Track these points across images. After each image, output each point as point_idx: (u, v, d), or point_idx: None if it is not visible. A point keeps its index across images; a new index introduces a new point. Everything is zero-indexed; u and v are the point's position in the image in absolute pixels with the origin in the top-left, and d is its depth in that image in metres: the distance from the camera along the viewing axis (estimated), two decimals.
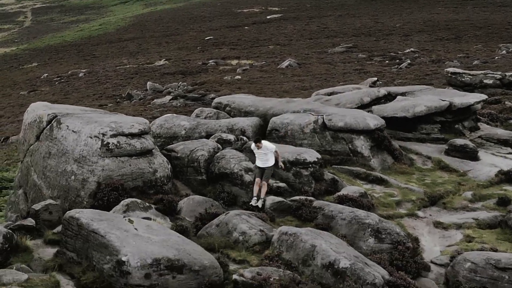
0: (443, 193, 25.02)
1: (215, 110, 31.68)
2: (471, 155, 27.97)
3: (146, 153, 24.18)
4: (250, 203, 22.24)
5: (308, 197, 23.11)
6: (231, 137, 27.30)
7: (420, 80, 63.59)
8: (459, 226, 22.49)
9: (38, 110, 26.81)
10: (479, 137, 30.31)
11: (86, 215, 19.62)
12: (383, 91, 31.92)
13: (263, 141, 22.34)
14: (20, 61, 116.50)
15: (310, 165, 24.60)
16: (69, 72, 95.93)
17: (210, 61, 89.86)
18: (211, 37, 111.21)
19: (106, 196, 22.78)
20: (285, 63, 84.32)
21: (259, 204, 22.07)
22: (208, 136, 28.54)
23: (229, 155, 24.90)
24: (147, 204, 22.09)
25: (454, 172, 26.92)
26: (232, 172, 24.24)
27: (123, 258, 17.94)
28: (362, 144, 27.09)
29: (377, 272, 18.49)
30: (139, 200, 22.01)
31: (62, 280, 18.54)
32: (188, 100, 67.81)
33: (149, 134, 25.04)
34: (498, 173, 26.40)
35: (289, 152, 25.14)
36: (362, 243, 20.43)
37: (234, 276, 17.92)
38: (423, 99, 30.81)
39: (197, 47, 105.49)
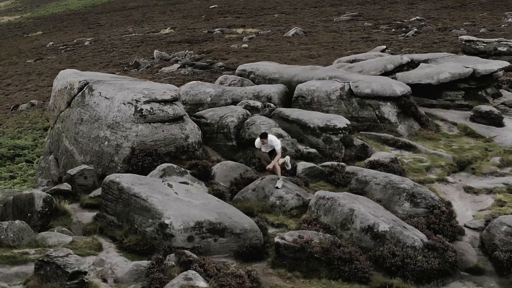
0: (471, 159, 25.18)
1: (239, 77, 31.70)
2: (496, 121, 28.10)
3: (178, 119, 24.27)
4: (277, 186, 20.86)
5: (340, 163, 23.18)
6: (258, 103, 27.36)
7: (428, 48, 63.42)
8: (489, 191, 22.66)
9: (68, 77, 26.85)
10: (502, 103, 30.43)
11: (126, 180, 19.76)
12: (406, 58, 31.95)
13: (269, 135, 20.95)
14: (24, 30, 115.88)
15: (340, 131, 24.72)
16: (75, 41, 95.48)
17: (216, 29, 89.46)
18: (216, 5, 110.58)
19: (140, 162, 22.91)
20: (291, 32, 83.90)
21: (279, 184, 20.80)
22: (234, 103, 28.60)
23: (259, 121, 24.99)
24: (183, 169, 22.23)
25: (480, 138, 27.06)
26: None
27: (166, 221, 18.11)
28: (389, 111, 27.18)
29: (416, 236, 18.68)
30: (175, 165, 22.16)
31: (104, 243, 18.72)
32: (196, 69, 67.66)
33: (179, 100, 25.10)
34: None
35: (319, 118, 25.25)
36: (397, 207, 20.58)
37: (276, 239, 18.08)
38: (446, 66, 30.85)
39: (201, 16, 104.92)
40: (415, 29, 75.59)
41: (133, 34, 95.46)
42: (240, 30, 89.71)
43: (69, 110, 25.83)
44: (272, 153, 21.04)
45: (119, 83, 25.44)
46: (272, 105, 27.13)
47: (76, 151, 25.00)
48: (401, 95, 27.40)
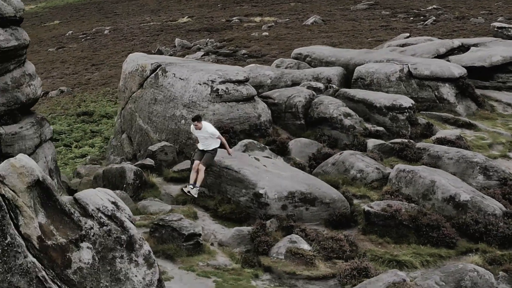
0: None
1: (295, 60, 32.79)
2: None
3: (250, 99, 25.38)
4: (183, 189, 19.75)
5: (409, 140, 24.28)
6: (320, 85, 28.44)
7: (448, 36, 64.26)
8: None
9: (139, 60, 27.96)
10: None
11: None
12: (457, 42, 33.03)
13: (203, 122, 19.34)
14: (41, 19, 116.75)
15: (406, 110, 25.80)
16: (94, 30, 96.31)
17: (234, 18, 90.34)
18: None
19: None
20: (310, 20, 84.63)
21: (194, 193, 19.43)
22: (293, 84, 29.69)
23: (327, 101, 26.07)
24: (262, 144, 23.33)
25: None
26: (331, 116, 25.41)
27: (261, 191, 19.26)
28: (447, 91, 28.25)
29: (495, 205, 19.77)
30: (255, 141, 23.26)
31: (198, 212, 19.85)
32: (220, 56, 68.66)
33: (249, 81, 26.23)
34: None
35: (384, 98, 26.34)
36: (471, 180, 21.65)
37: (366, 208, 19.19)
38: (496, 49, 31.90)
39: (217, 4, 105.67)
40: (433, 18, 76.30)
41: (152, 23, 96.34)
42: (258, 19, 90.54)
43: (142, 91, 26.92)
44: (203, 156, 19.48)
45: (190, 65, 26.56)
46: (334, 86, 28.22)
47: (150, 129, 26.12)
48: (459, 76, 28.48)
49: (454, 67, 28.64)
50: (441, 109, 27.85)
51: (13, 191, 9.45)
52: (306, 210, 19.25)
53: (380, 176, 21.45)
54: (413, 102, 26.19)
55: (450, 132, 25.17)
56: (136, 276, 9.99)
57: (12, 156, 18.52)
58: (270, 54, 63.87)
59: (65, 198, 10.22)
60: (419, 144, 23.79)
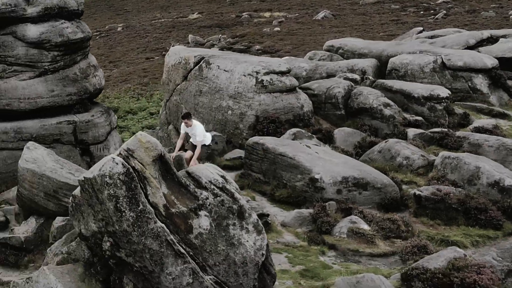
0: None
1: (328, 52, 33.94)
2: None
3: (293, 89, 26.55)
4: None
5: (448, 129, 25.42)
6: (356, 76, 29.59)
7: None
8: None
9: (181, 52, 29.12)
10: None
11: (269, 141, 22.07)
12: (486, 33, 34.18)
13: (193, 121, 19.21)
14: None
15: (443, 100, 26.95)
16: (107, 27, 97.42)
17: (244, 14, 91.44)
18: None
19: (265, 128, 25.20)
20: (320, 15, 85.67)
21: None
22: (328, 76, 30.83)
23: (366, 91, 27.22)
24: (309, 133, 24.49)
25: None
26: (371, 107, 26.56)
27: (316, 176, 20.42)
28: (481, 82, 29.40)
29: None
30: (303, 130, 24.41)
31: (256, 197, 21.04)
32: (234, 52, 69.77)
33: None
34: None
35: (422, 88, 27.50)
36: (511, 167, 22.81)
37: (417, 192, 20.34)
38: None
39: (226, 0, 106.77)
40: (444, 11, 77.20)
41: (163, 20, 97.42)
42: (267, 14, 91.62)
43: (186, 83, 28.08)
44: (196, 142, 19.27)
45: (233, 57, 27.71)
46: (370, 77, 29.35)
47: (197, 120, 27.25)
48: (491, 67, 29.63)
49: (487, 58, 29.78)
50: (474, 99, 28.98)
51: (141, 163, 10.63)
52: (359, 194, 20.38)
53: (425, 163, 22.57)
54: (449, 92, 27.31)
55: (486, 121, 26.30)
56: (247, 241, 11.17)
57: (88, 143, 19.83)
58: (284, 49, 64.96)
59: (179, 173, 11.38)
60: (459, 133, 24.91)
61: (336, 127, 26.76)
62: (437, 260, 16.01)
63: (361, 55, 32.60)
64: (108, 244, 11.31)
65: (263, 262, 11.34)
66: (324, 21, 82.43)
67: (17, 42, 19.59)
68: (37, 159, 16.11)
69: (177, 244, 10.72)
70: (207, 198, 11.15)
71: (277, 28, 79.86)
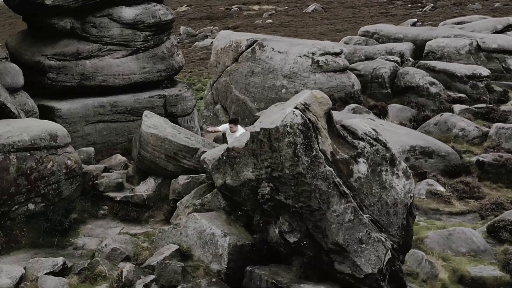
0: None
1: (363, 37, 35.71)
2: None
3: (345, 70, 28.29)
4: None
5: (492, 104, 27.33)
6: (397, 58, 31.39)
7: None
8: None
9: (231, 36, 30.75)
10: None
11: (335, 115, 23.73)
12: None
13: (239, 127, 18.01)
14: None
15: (484, 79, 28.83)
16: None
17: (233, 6, 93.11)
18: None
19: None
20: (310, 8, 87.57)
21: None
22: (367, 59, 32.58)
23: (412, 71, 29.05)
24: (366, 108, 26.26)
25: None
26: (418, 85, 28.39)
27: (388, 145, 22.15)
28: None
29: None
30: (360, 106, 26.18)
31: None
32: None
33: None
34: None
35: (464, 68, 29.38)
36: None
37: (480, 159, 22.19)
38: None
39: None
40: (432, 4, 79.31)
41: None
42: (256, 7, 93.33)
43: (237, 65, 29.69)
44: None
45: (286, 40, 29.42)
46: (410, 59, 31.17)
47: (248, 99, 28.92)
48: None
49: None
50: (508, 79, 30.91)
51: (315, 116, 12.33)
52: (425, 162, 22.15)
53: (479, 133, 24.42)
54: (489, 71, 29.19)
55: None
56: (398, 185, 12.90)
57: (176, 116, 21.44)
58: None
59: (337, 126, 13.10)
60: (504, 107, 26.81)
61: (382, 104, 28.53)
62: None
63: (396, 40, 34.40)
64: (268, 189, 12.95)
65: (410, 204, 13.09)
66: (314, 14, 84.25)
67: (113, 23, 21.11)
68: (157, 125, 17.69)
69: (342, 186, 12.42)
70: (364, 147, 12.86)
71: (269, 20, 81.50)
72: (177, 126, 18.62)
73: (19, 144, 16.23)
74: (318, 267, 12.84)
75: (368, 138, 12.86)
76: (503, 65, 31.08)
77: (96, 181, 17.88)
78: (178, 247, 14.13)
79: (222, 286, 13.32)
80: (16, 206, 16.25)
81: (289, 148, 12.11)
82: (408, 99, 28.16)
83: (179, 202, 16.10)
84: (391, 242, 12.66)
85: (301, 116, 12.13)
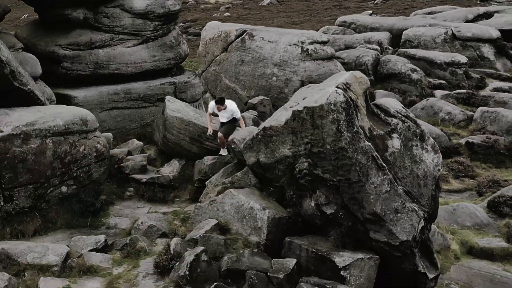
0: None
1: (340, 27, 36.78)
2: None
3: (331, 58, 29.28)
4: (220, 154, 18.07)
5: (472, 90, 28.65)
6: (376, 47, 32.54)
7: (401, 13, 69.11)
8: None
9: (220, 27, 31.49)
10: None
11: None
12: (482, 9, 37.64)
13: (227, 101, 17.80)
14: None
15: (462, 66, 30.14)
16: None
17: (190, 0, 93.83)
18: None
19: None
20: (266, 1, 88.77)
21: (223, 152, 18.09)
22: (346, 47, 33.69)
23: (394, 59, 30.21)
24: None
25: None
26: (400, 72, 29.56)
27: None
28: (487, 51, 32.74)
29: None
30: None
31: None
32: (190, 36, 71.85)
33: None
34: None
35: (443, 55, 30.64)
36: None
37: (470, 140, 23.40)
38: None
39: None
40: None
41: None
42: (213, 0, 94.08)
43: (226, 54, 30.47)
44: (229, 123, 17.95)
45: (274, 30, 30.29)
46: (389, 47, 32.35)
47: (238, 87, 29.73)
48: (496, 37, 33.02)
49: (492, 30, 33.17)
50: (482, 66, 32.30)
51: (355, 94, 13.27)
52: None
53: (465, 117, 25.66)
54: (467, 59, 30.52)
55: (500, 84, 29.62)
56: (427, 159, 13.91)
57: (186, 102, 22.16)
58: None
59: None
60: (483, 93, 28.15)
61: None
62: None
63: (373, 29, 35.56)
64: (306, 164, 13.83)
65: (438, 177, 14.13)
66: (270, 7, 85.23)
67: (124, 13, 21.68)
68: (180, 109, 18.39)
69: (379, 159, 13.38)
70: (397, 124, 13.83)
71: (227, 13, 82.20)
72: (198, 110, 19.37)
73: (54, 129, 16.77)
74: (354, 237, 13.74)
75: (399, 115, 13.82)
76: (478, 53, 32.42)
77: (121, 164, 18.51)
78: (217, 221, 14.87)
79: (263, 256, 14.12)
80: (51, 189, 16.78)
81: (332, 125, 13.00)
82: (391, 85, 29.27)
83: (207, 181, 16.85)
84: (422, 212, 13.66)
85: (343, 94, 13.03)
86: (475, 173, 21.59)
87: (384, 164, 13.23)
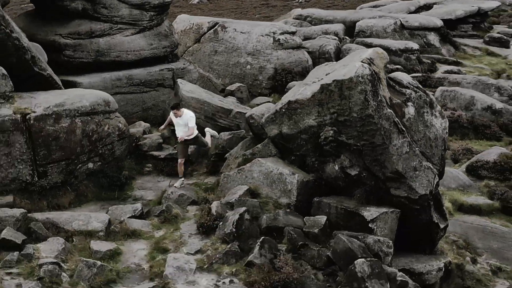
0: (501, 70, 33.01)
1: (297, 20, 38.01)
2: (505, 44, 36.20)
3: (299, 47, 30.46)
4: (175, 186, 17.27)
5: (426, 73, 30.31)
6: (334, 37, 33.86)
7: (328, 9, 71.02)
8: None
9: (190, 20, 32.24)
10: (498, 32, 38.63)
11: None
12: (422, 1, 39.52)
13: (183, 109, 17.28)
14: None
15: (415, 52, 31.79)
16: None
17: None
18: None
19: (283, 78, 28.93)
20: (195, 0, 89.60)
21: (177, 184, 17.41)
22: (305, 39, 34.85)
23: (354, 47, 31.59)
24: None
25: (498, 56, 35.03)
26: None
27: None
28: (433, 38, 34.54)
29: None
30: None
31: None
32: None
33: None
34: None
35: (397, 43, 32.24)
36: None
37: None
38: (456, 6, 38.62)
39: None
40: None
41: None
42: None
43: (199, 45, 31.25)
44: (187, 148, 17.88)
45: (245, 22, 31.36)
46: (347, 37, 33.76)
47: (213, 76, 30.56)
48: (440, 26, 34.88)
49: (436, 19, 35.02)
50: (429, 52, 34.08)
51: (377, 68, 14.43)
52: None
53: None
54: (418, 46, 32.19)
55: (449, 67, 31.41)
56: (436, 123, 15.20)
57: None
58: None
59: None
60: (437, 75, 29.83)
61: None
62: (489, 155, 20.69)
63: (328, 22, 36.94)
64: (331, 132, 14.92)
65: (445, 139, 15.44)
66: (201, 5, 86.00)
67: (121, 4, 22.20)
68: (193, 90, 19.17)
69: (400, 124, 14.59)
70: (411, 94, 15.04)
71: None
72: (209, 91, 20.18)
73: (82, 109, 17.36)
74: (377, 194, 14.92)
75: (412, 86, 15.07)
76: (424, 40, 34.17)
77: (139, 142, 19.18)
78: (248, 187, 15.81)
79: (295, 214, 15.17)
80: (80, 165, 17.38)
81: (360, 95, 14.13)
82: None
83: (228, 154, 17.75)
84: (435, 169, 14.94)
85: (369, 68, 14.17)
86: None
87: (403, 128, 14.41)
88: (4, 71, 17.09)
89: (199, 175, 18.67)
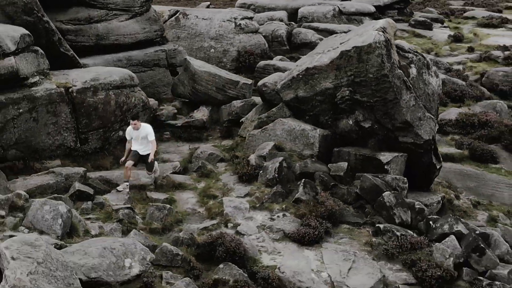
0: (429, 48, 36.36)
1: (241, 8, 40.09)
2: (429, 27, 39.56)
3: (257, 31, 32.65)
4: (117, 189, 16.31)
5: None
6: (281, 23, 36.26)
7: (230, 4, 73.70)
8: (459, 63, 33.92)
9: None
10: (420, 17, 42.08)
11: (277, 62, 28.21)
12: None
13: (142, 123, 16.68)
14: None
15: None
16: None
17: None
18: None
19: (247, 60, 30.91)
20: None
21: (123, 188, 16.37)
22: None
23: (304, 31, 34.04)
24: (287, 59, 30.89)
25: (424, 37, 38.34)
26: (311, 41, 33.37)
27: None
28: (369, 22, 37.50)
29: (459, 80, 29.41)
30: (284, 57, 30.77)
31: None
32: None
33: None
34: (449, 37, 38.32)
35: (341, 27, 34.88)
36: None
37: None
38: None
39: None
40: None
41: None
42: None
43: None
44: (139, 158, 16.74)
45: (204, 10, 33.16)
46: (293, 23, 36.20)
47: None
48: (374, 11, 37.88)
49: (369, 5, 37.95)
50: None
51: (389, 35, 16.90)
52: None
53: None
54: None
55: None
56: (433, 82, 17.84)
57: (176, 66, 24.67)
58: None
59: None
60: None
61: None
62: (450, 115, 23.59)
63: (270, 9, 39.22)
64: (347, 92, 17.31)
65: (440, 94, 18.08)
66: None
67: None
68: (203, 65, 21.02)
69: (408, 82, 17.13)
70: (412, 57, 17.55)
71: None
72: (215, 66, 22.14)
73: (114, 83, 18.96)
74: (387, 142, 17.38)
75: (412, 51, 17.60)
76: (361, 24, 37.01)
77: (157, 113, 20.90)
78: (274, 143, 17.95)
79: (320, 163, 17.41)
80: (113, 132, 19.00)
81: (378, 58, 16.52)
82: (304, 52, 32.72)
83: (244, 118, 19.78)
84: (435, 119, 17.58)
85: (383, 35, 16.61)
86: None
87: (410, 85, 16.94)
88: (42, 51, 18.40)
89: (214, 139, 20.57)
